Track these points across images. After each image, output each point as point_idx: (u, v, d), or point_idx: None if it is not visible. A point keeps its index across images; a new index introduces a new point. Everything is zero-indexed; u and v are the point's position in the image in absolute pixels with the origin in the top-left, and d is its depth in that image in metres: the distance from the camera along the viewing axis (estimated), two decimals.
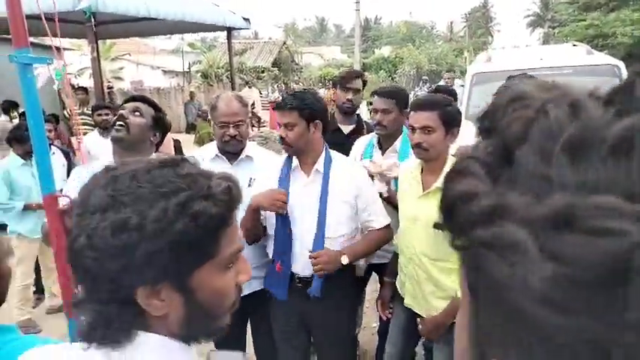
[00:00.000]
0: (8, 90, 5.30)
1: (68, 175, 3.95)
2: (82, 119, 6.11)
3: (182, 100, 16.69)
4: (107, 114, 4.72)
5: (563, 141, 0.28)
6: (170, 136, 4.01)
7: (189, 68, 25.59)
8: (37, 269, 4.17)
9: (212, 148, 2.44)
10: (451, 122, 2.04)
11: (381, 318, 2.57)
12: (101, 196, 0.69)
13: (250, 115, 8.59)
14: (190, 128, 13.72)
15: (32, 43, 1.67)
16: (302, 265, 2.14)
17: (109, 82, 8.32)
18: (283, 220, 2.14)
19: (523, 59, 5.42)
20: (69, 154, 4.75)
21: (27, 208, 3.85)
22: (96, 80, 6.55)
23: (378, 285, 2.81)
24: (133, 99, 2.14)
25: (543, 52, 5.73)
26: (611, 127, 0.27)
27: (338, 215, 2.13)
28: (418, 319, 2.20)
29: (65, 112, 7.82)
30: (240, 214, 1.88)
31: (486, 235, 0.28)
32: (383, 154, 2.65)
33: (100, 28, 6.93)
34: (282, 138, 2.13)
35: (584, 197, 0.26)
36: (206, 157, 2.33)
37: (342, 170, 2.17)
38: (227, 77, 17.88)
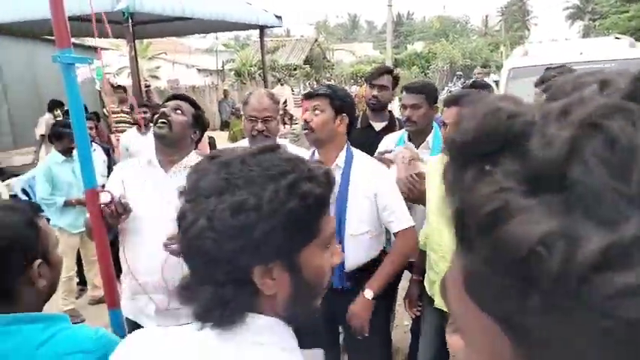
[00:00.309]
0: (55, 89, 5.51)
1: (108, 170, 4.09)
2: (120, 117, 6.29)
3: (216, 98, 16.97)
4: (146, 112, 4.83)
5: None
6: (205, 134, 4.08)
7: (222, 67, 25.90)
8: (79, 262, 4.32)
9: (244, 144, 2.48)
10: None
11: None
12: (215, 180, 0.73)
13: (282, 112, 8.66)
14: (224, 126, 13.95)
15: (74, 44, 1.74)
16: None
17: (147, 80, 8.50)
18: None
19: (562, 53, 5.22)
20: (109, 150, 4.88)
21: (67, 203, 3.95)
22: (134, 79, 6.71)
23: (408, 282, 2.78)
24: (174, 97, 2.18)
25: (583, 46, 5.52)
26: None
27: (359, 212, 2.09)
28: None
29: (105, 111, 8.05)
30: None
31: (623, 282, 0.23)
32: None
33: (137, 27, 7.11)
34: (306, 122, 2.09)
35: None
36: None
37: (363, 167, 2.12)
38: (260, 75, 18.04)
